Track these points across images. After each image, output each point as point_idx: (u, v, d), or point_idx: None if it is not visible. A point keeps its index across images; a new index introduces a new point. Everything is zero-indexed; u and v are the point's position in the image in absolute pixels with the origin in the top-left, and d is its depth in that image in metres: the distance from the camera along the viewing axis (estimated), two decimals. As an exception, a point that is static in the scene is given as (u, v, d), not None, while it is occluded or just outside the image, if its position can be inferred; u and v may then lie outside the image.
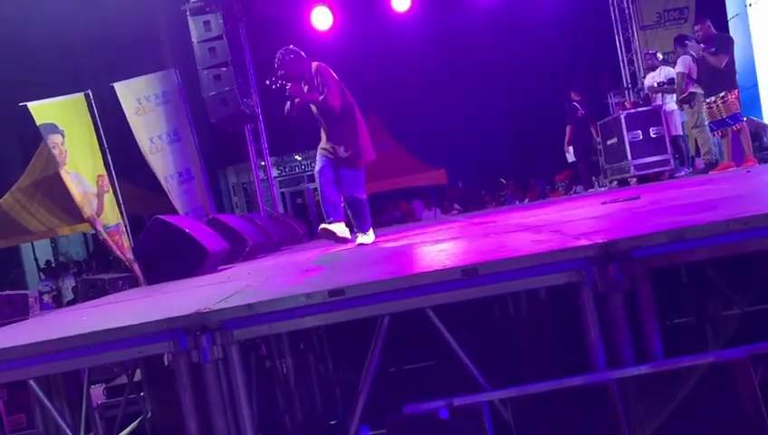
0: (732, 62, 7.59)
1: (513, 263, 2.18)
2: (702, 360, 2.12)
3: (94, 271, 12.93)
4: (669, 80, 9.05)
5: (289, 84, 4.82)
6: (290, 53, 4.93)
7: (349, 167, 4.98)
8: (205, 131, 10.41)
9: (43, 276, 14.59)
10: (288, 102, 4.96)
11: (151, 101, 9.55)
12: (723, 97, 7.45)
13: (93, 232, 10.12)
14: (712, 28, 7.77)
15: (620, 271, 2.13)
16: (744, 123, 7.67)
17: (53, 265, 15.65)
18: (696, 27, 8.02)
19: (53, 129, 9.08)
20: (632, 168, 8.77)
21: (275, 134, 12.33)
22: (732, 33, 9.73)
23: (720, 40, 7.66)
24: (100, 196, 9.11)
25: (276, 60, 4.92)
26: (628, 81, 11.86)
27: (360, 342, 2.70)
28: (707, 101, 7.75)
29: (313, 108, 5.02)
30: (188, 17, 9.39)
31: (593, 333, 2.16)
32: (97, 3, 11.19)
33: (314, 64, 4.90)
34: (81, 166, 9.09)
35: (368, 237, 5.16)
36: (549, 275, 2.19)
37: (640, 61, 11.45)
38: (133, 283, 8.57)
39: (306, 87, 4.92)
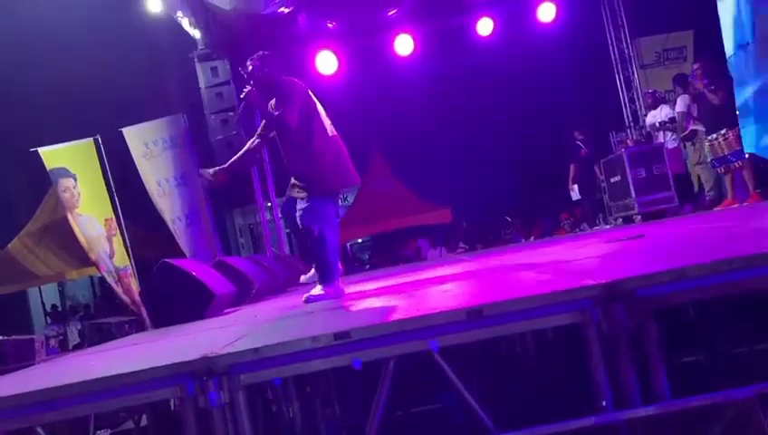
0: (732, 99, 7.68)
1: (518, 304, 2.19)
2: (710, 400, 2.11)
3: (101, 315, 12.94)
4: (671, 118, 9.16)
5: (248, 88, 4.28)
6: (267, 64, 4.36)
7: (304, 194, 4.31)
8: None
9: (49, 320, 14.59)
10: (241, 106, 4.49)
11: (159, 145, 9.69)
12: (724, 134, 7.52)
13: (100, 275, 10.16)
14: (710, 67, 7.88)
15: (625, 311, 2.14)
16: (747, 160, 7.71)
17: (60, 309, 15.66)
18: (696, 66, 8.15)
19: (65, 172, 9.22)
20: (636, 205, 8.79)
21: (282, 175, 12.45)
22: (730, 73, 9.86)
23: (716, 80, 7.76)
24: (109, 238, 9.20)
25: (250, 62, 4.37)
26: (630, 119, 11.98)
27: (367, 385, 2.69)
28: (709, 138, 7.82)
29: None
30: (196, 64, 9.61)
31: (599, 374, 2.16)
32: (105, 50, 11.47)
33: (288, 81, 4.41)
34: (91, 209, 9.21)
35: (318, 290, 4.25)
36: (553, 315, 2.20)
37: (641, 99, 11.59)
38: (140, 326, 8.59)
39: (271, 102, 4.36)
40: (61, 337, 12.62)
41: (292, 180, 4.45)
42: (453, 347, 2.24)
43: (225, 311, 5.22)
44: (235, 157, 4.70)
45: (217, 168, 4.68)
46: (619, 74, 12.10)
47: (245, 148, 4.70)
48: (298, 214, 4.32)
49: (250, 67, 4.35)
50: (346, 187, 4.64)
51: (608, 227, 9.78)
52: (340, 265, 4.46)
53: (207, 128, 9.62)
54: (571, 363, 2.50)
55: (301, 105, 4.26)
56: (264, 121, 4.47)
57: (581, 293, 2.18)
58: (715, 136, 7.69)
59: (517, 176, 15.45)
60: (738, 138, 7.48)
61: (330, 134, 4.40)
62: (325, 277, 4.29)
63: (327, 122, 4.41)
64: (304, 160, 4.32)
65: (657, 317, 2.18)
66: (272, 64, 4.40)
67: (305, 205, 4.28)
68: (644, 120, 10.69)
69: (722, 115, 7.59)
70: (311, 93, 4.42)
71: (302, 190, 4.32)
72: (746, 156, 7.95)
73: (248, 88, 4.28)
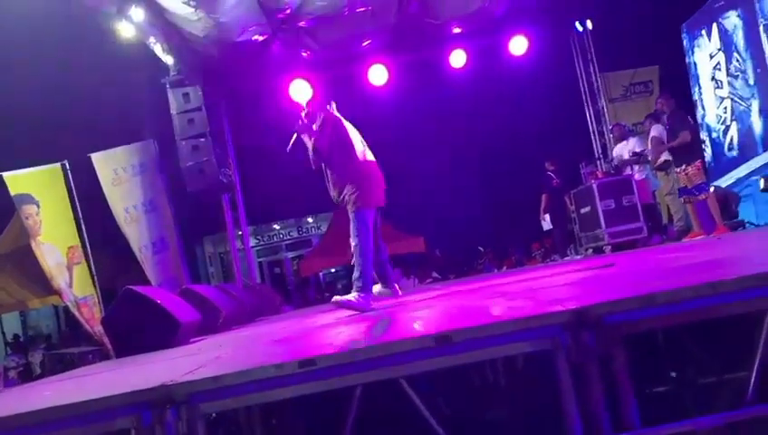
0: (693, 134, 7.89)
1: (487, 330, 2.16)
2: (680, 428, 2.09)
3: (65, 345, 12.56)
4: (639, 151, 9.35)
5: (301, 121, 5.00)
6: (315, 100, 5.28)
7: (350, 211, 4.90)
8: (182, 201, 10.41)
9: (9, 351, 14.12)
10: (293, 136, 5.07)
11: (128, 171, 9.56)
12: (684, 169, 7.72)
13: (64, 305, 9.89)
14: (672, 103, 8.09)
15: (594, 337, 2.12)
16: (710, 192, 7.86)
17: (22, 338, 15.19)
18: (660, 100, 8.36)
19: (28, 199, 9.02)
20: (606, 236, 8.88)
21: (253, 203, 12.36)
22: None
23: (675, 118, 7.97)
24: (70, 267, 8.97)
25: (306, 100, 5.24)
26: (599, 151, 12.19)
27: (334, 415, 2.62)
28: (677, 169, 8.00)
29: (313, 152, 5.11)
30: (168, 89, 9.54)
31: (569, 403, 2.12)
32: (75, 74, 11.33)
33: (324, 114, 5.02)
34: (53, 237, 8.99)
35: (351, 295, 4.72)
36: (522, 341, 2.17)
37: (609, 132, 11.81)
38: (104, 356, 8.34)
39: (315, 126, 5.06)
40: (21, 368, 12.20)
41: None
42: (422, 374, 2.19)
43: (191, 340, 5.10)
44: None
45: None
46: (588, 107, 12.34)
47: None
48: None
49: (305, 103, 5.12)
50: (373, 206, 5.00)
51: (578, 257, 9.85)
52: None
53: (178, 154, 9.51)
54: (543, 391, 2.47)
55: (330, 134, 4.93)
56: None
57: (550, 319, 2.15)
58: (678, 169, 7.89)
59: (489, 206, 15.58)
60: (700, 171, 7.66)
61: (361, 159, 4.99)
62: (361, 286, 4.73)
63: (360, 149, 5.03)
64: (339, 181, 4.94)
65: (626, 345, 2.16)
66: (318, 100, 5.22)
67: (352, 218, 4.90)
68: (613, 153, 10.87)
69: (682, 150, 7.79)
70: (345, 124, 5.05)
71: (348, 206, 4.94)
72: (711, 189, 8.15)
73: (301, 121, 5.00)
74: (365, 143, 5.16)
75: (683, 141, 7.70)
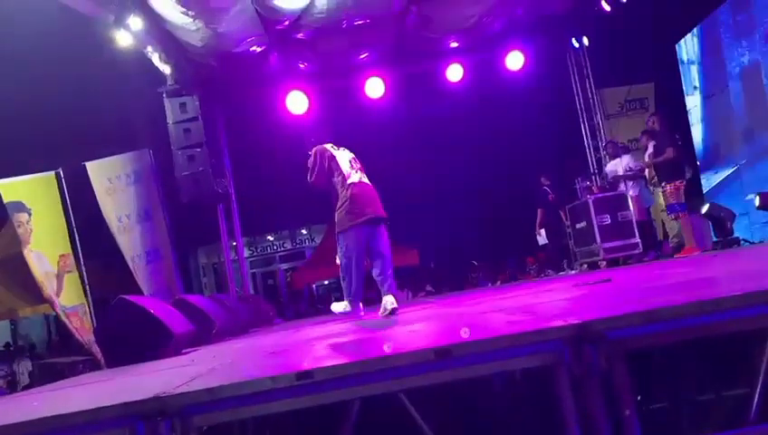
0: (677, 151, 7.96)
1: (488, 344, 2.12)
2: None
3: (55, 354, 12.42)
4: (635, 168, 9.38)
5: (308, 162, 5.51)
6: (312, 143, 5.59)
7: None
8: (177, 211, 10.35)
9: (-2, 360, 13.95)
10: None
11: (122, 180, 9.50)
12: (663, 187, 7.80)
13: (54, 314, 9.78)
14: (663, 121, 8.19)
15: (596, 353, 2.08)
16: (683, 213, 7.92)
17: (12, 347, 15.02)
18: (652, 118, 8.47)
19: (20, 207, 8.93)
20: (602, 251, 8.86)
21: (248, 214, 12.31)
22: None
23: (662, 136, 8.06)
24: (59, 276, 8.87)
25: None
26: (595, 166, 12.22)
27: (330, 427, 2.57)
28: (661, 187, 8.13)
29: None
30: (165, 99, 9.51)
31: (570, 418, 2.09)
32: (71, 82, 11.31)
33: (314, 150, 5.49)
34: (44, 245, 8.90)
35: (338, 306, 5.47)
36: (524, 356, 2.13)
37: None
38: (94, 367, 8.23)
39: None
40: (9, 378, 12.05)
41: None
42: (421, 389, 2.16)
43: (184, 351, 5.03)
44: None
45: None
46: (584, 123, 12.39)
47: None
48: None
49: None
50: (358, 223, 5.23)
51: (573, 272, 9.82)
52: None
53: (173, 164, 9.47)
54: (543, 407, 2.43)
55: (317, 168, 5.35)
56: None
57: (552, 333, 2.12)
58: (660, 188, 8.00)
59: (484, 220, 15.57)
60: (677, 191, 7.72)
61: (347, 182, 5.25)
62: (349, 294, 5.31)
63: (347, 172, 5.29)
64: (334, 205, 5.34)
65: (628, 360, 2.13)
66: (316, 143, 5.57)
67: None
68: (605, 169, 10.90)
69: (662, 169, 7.88)
70: (332, 153, 5.40)
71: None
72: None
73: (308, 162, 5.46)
74: (356, 165, 5.42)
75: (666, 158, 7.80)
